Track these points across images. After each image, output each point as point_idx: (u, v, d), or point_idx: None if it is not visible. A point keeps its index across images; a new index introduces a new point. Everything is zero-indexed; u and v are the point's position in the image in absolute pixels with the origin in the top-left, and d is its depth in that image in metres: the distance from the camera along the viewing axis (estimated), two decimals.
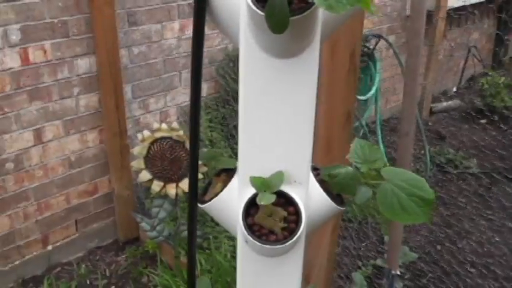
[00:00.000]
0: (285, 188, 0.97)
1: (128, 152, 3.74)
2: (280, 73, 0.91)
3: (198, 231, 2.81)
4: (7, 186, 3.36)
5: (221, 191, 1.05)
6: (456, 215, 4.46)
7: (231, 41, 0.99)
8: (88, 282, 3.66)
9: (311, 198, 1.01)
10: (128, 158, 3.74)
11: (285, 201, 0.98)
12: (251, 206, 0.98)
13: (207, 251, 3.55)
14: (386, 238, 3.70)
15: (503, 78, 6.56)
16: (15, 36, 3.12)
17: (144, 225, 3.00)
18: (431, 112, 6.44)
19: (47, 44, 3.26)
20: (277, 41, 0.86)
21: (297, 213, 0.97)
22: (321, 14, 0.87)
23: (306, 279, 2.12)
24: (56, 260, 3.77)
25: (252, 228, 0.97)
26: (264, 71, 0.91)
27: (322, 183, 1.04)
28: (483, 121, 6.13)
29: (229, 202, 1.03)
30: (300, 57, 0.90)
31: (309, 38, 0.88)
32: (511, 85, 6.59)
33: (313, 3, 0.80)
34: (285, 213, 0.97)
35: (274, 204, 0.95)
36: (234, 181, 1.05)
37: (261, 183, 0.95)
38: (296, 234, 0.95)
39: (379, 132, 4.81)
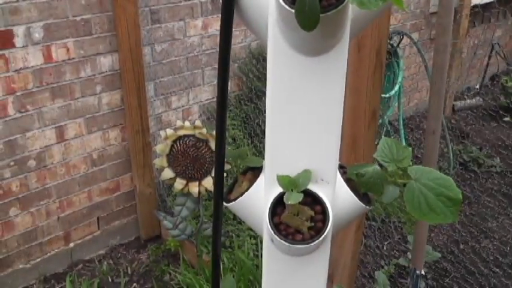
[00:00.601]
0: (312, 187, 0.96)
1: (150, 150, 3.75)
2: (308, 71, 0.90)
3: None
4: (29, 183, 3.38)
5: (247, 189, 1.04)
6: (480, 213, 4.42)
7: (258, 38, 0.98)
8: (110, 279, 3.67)
9: (338, 197, 1.00)
10: (150, 156, 3.75)
11: (312, 200, 0.97)
12: (277, 205, 0.97)
13: (229, 249, 3.54)
14: (409, 237, 3.67)
15: None
16: (38, 34, 3.13)
17: (166, 223, 3.00)
18: (454, 110, 6.40)
19: (70, 42, 3.27)
20: (306, 39, 0.85)
21: (324, 212, 0.96)
22: (351, 11, 0.86)
23: (330, 278, 2.11)
24: (78, 257, 3.79)
25: (278, 227, 0.96)
26: (292, 68, 0.90)
27: (349, 182, 1.03)
28: (506, 119, 6.08)
29: (256, 201, 1.02)
30: (329, 55, 0.89)
31: (338, 36, 0.87)
32: None
33: (344, 0, 0.79)
34: (311, 213, 0.96)
35: (300, 203, 0.94)
36: (261, 180, 1.04)
37: (288, 182, 0.94)
38: (323, 233, 0.94)
39: (402, 130, 4.78)
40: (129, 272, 3.75)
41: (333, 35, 0.86)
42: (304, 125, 0.94)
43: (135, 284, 3.64)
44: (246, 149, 1.23)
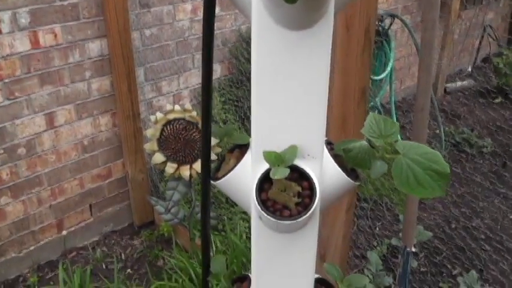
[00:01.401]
0: (299, 163, 0.96)
1: (142, 136, 3.74)
2: (293, 45, 0.89)
3: (213, 213, 2.80)
4: (20, 171, 3.37)
5: (234, 167, 1.04)
6: (471, 193, 4.45)
7: (243, 15, 0.97)
8: (104, 266, 3.67)
9: (325, 172, 0.99)
10: (142, 142, 3.74)
11: (299, 175, 0.96)
12: (265, 182, 0.96)
13: (222, 232, 3.54)
14: (401, 217, 3.69)
15: None
16: (24, 20, 3.10)
17: (158, 208, 2.99)
18: (446, 91, 6.41)
19: (57, 27, 3.24)
20: (290, 13, 0.85)
21: (311, 188, 0.96)
22: None
23: (322, 258, 2.11)
24: (71, 244, 3.79)
25: (266, 203, 0.95)
26: (276, 43, 0.89)
27: (337, 157, 1.03)
28: (498, 100, 6.09)
29: (243, 178, 1.02)
30: (314, 29, 0.88)
31: (323, 10, 0.86)
32: None
33: None
34: (299, 188, 0.95)
35: (287, 179, 0.94)
36: (247, 157, 1.04)
37: (274, 158, 0.93)
38: (310, 209, 0.94)
39: (393, 111, 4.78)
40: (123, 258, 3.75)
41: (317, 9, 0.85)
42: (290, 101, 0.93)
43: (129, 270, 3.65)
44: (233, 126, 1.23)
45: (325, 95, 0.94)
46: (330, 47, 0.91)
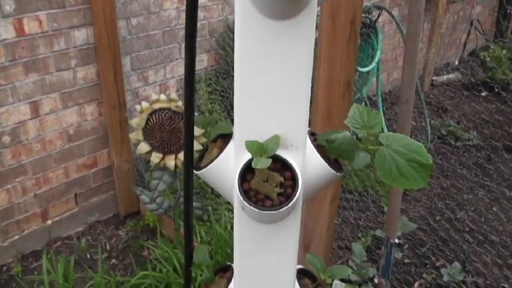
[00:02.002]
0: (282, 153, 0.95)
1: (127, 125, 3.73)
2: (276, 35, 0.89)
3: (198, 204, 2.80)
4: (4, 160, 3.34)
5: (217, 156, 1.04)
6: (456, 185, 4.47)
7: (225, 3, 0.96)
8: (88, 256, 3.66)
9: (308, 163, 0.99)
10: (128, 131, 3.72)
11: (282, 166, 0.96)
12: (247, 172, 0.96)
13: (207, 223, 3.54)
14: (386, 209, 3.70)
15: (505, 51, 6.55)
16: (8, 7, 3.07)
17: (143, 197, 2.99)
18: (433, 84, 6.43)
19: (43, 14, 3.22)
20: (273, 2, 0.84)
21: (294, 178, 0.95)
22: None
23: (306, 248, 2.12)
24: (56, 234, 3.77)
25: (248, 193, 0.95)
26: (259, 33, 0.89)
27: (320, 148, 1.02)
28: (484, 94, 6.11)
29: (225, 168, 1.02)
30: (297, 19, 0.88)
31: None
32: None
33: None
34: (281, 179, 0.95)
35: (270, 169, 0.93)
36: (230, 146, 1.03)
37: (256, 148, 0.93)
38: (292, 199, 0.94)
39: (380, 104, 4.79)
40: (108, 248, 3.74)
41: None
42: (273, 90, 0.93)
43: (113, 260, 3.64)
44: (216, 116, 1.22)
45: (308, 86, 0.93)
46: (314, 37, 0.90)
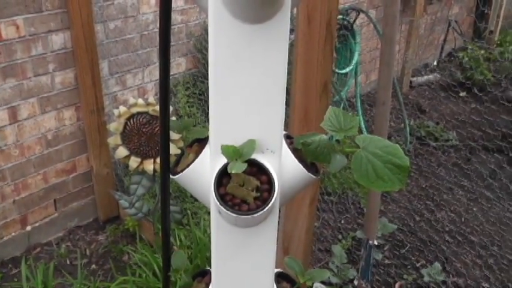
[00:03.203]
0: (257, 157, 0.95)
1: (106, 130, 3.71)
2: (250, 39, 0.89)
3: (177, 207, 2.79)
4: None
5: (193, 161, 1.03)
6: (435, 186, 4.50)
7: (199, 8, 0.96)
8: (68, 262, 3.64)
9: (284, 166, 0.99)
10: (106, 136, 3.70)
11: (258, 170, 0.96)
12: (223, 176, 0.96)
13: (187, 227, 3.54)
14: (366, 211, 3.71)
15: (482, 52, 6.60)
16: None
17: (122, 202, 2.98)
18: (411, 85, 6.47)
19: (20, 19, 3.19)
20: (247, 6, 0.84)
21: (270, 182, 0.95)
22: None
23: (285, 252, 2.12)
24: (36, 240, 3.75)
25: (225, 198, 0.95)
26: (233, 37, 0.89)
27: (296, 151, 1.02)
28: (463, 94, 6.16)
29: (201, 172, 1.02)
30: (271, 22, 0.88)
31: (279, 2, 0.86)
32: (491, 58, 6.63)
33: None
34: (257, 183, 0.95)
35: (246, 173, 0.93)
36: (206, 151, 1.03)
37: (232, 152, 0.93)
38: (269, 203, 0.94)
39: (358, 105, 4.81)
40: (88, 253, 3.72)
41: (274, 2, 0.85)
42: (248, 95, 0.93)
43: (93, 266, 3.62)
44: (191, 120, 1.22)
45: (283, 89, 0.93)
46: (288, 40, 0.90)
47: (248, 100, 0.93)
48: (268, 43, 0.89)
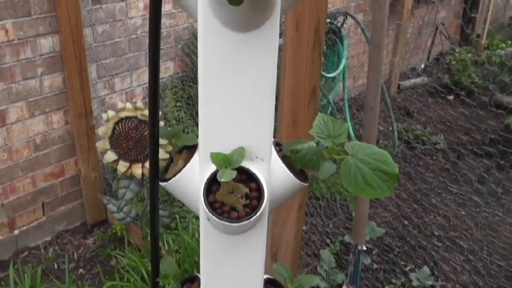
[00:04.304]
0: (247, 164, 0.95)
1: (94, 133, 3.71)
2: (239, 47, 0.89)
3: (165, 211, 2.78)
4: None
5: (182, 168, 1.03)
6: (423, 190, 4.51)
7: (189, 15, 0.97)
8: (56, 266, 3.62)
9: (273, 174, 0.99)
10: (94, 139, 3.70)
11: (247, 177, 0.96)
12: (213, 183, 0.96)
13: (175, 231, 3.53)
14: (354, 215, 3.72)
15: (470, 55, 6.63)
16: None
17: (110, 206, 2.96)
18: (399, 89, 6.49)
19: (8, 23, 3.19)
20: (236, 14, 0.84)
21: (259, 189, 0.95)
22: None
23: (273, 257, 2.12)
24: (23, 244, 3.73)
25: (214, 205, 0.95)
26: (223, 45, 0.89)
27: (285, 158, 1.03)
28: (450, 97, 6.19)
29: (191, 179, 1.02)
30: (260, 30, 0.88)
31: (268, 11, 0.86)
32: (478, 62, 6.66)
33: None
34: (246, 190, 0.95)
35: (235, 180, 0.93)
36: (195, 158, 1.03)
37: (221, 160, 0.93)
38: (258, 211, 0.94)
39: (346, 109, 4.82)
40: (76, 257, 3.71)
41: (263, 10, 0.85)
42: (237, 102, 0.93)
43: (81, 270, 3.61)
44: (180, 127, 1.22)
45: (272, 97, 0.94)
46: (277, 49, 0.91)
47: (237, 108, 0.94)
48: (257, 51, 0.90)
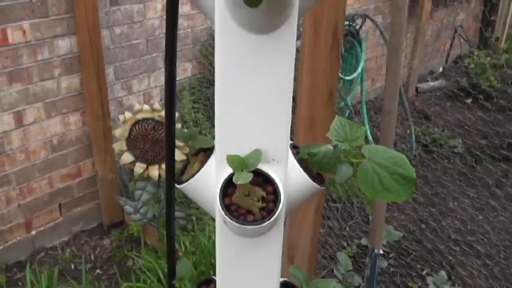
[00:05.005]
0: (263, 167, 0.95)
1: (111, 135, 3.72)
2: (257, 49, 0.89)
3: (182, 213, 2.78)
4: None
5: (198, 170, 1.03)
6: (440, 193, 4.48)
7: (206, 17, 0.96)
8: (72, 266, 3.63)
9: (290, 177, 0.99)
10: (111, 141, 3.71)
11: (263, 180, 0.96)
12: (229, 186, 0.96)
13: (191, 233, 3.53)
14: (371, 217, 3.70)
15: (488, 58, 6.59)
16: None
17: (127, 208, 2.97)
18: (417, 92, 6.46)
19: (26, 24, 3.20)
20: (253, 16, 0.84)
21: (276, 192, 0.95)
22: None
23: (290, 260, 2.11)
24: (40, 244, 3.75)
25: (230, 208, 0.95)
26: (240, 47, 0.89)
27: (302, 162, 1.02)
28: (468, 101, 6.14)
29: (207, 182, 1.01)
30: (278, 32, 0.88)
31: (286, 13, 0.86)
32: (497, 65, 6.62)
33: None
34: (263, 193, 0.95)
35: (252, 183, 0.93)
36: (212, 160, 1.03)
37: (237, 162, 0.92)
38: (274, 214, 0.93)
39: (364, 112, 4.80)
40: (92, 258, 3.72)
41: (280, 12, 0.85)
42: (254, 104, 0.93)
43: (98, 271, 3.62)
44: (197, 129, 1.22)
45: (289, 99, 0.93)
46: (294, 51, 0.90)
47: (254, 110, 0.93)
48: (275, 53, 0.89)
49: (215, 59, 0.92)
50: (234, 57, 0.90)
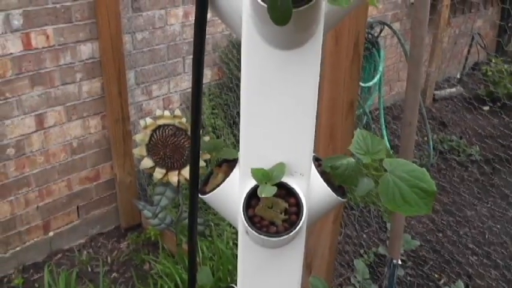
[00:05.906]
0: (287, 179, 0.97)
1: (131, 139, 3.74)
2: (282, 64, 0.90)
3: (199, 219, 2.80)
4: (8, 172, 3.35)
5: (222, 182, 1.05)
6: (458, 202, 4.46)
7: (233, 32, 0.98)
8: (89, 269, 3.66)
9: (312, 189, 1.00)
10: (131, 145, 3.73)
11: (286, 192, 0.97)
12: (252, 197, 0.97)
13: (209, 238, 3.54)
14: (388, 225, 3.70)
15: (506, 66, 6.55)
16: (17, 21, 3.10)
17: (146, 212, 2.99)
18: (434, 99, 6.44)
19: (50, 29, 3.24)
20: (280, 33, 0.86)
21: (298, 204, 0.97)
22: (325, 5, 0.86)
23: (308, 267, 2.12)
24: (57, 246, 3.78)
25: (253, 219, 0.96)
26: (266, 62, 0.91)
27: (324, 174, 1.03)
28: (486, 108, 6.11)
29: (230, 193, 1.03)
30: (303, 49, 0.89)
31: (312, 29, 0.87)
32: None
33: None
34: (286, 205, 0.96)
35: (275, 195, 0.94)
36: (235, 172, 1.04)
37: (262, 175, 0.94)
38: (297, 226, 0.95)
39: (382, 119, 4.80)
40: (109, 261, 3.74)
41: (306, 29, 0.86)
42: (279, 118, 0.94)
43: (114, 274, 3.64)
44: (221, 140, 1.24)
45: (313, 114, 0.95)
46: (319, 66, 0.92)
47: (278, 124, 0.95)
48: (300, 69, 0.91)
49: (241, 73, 0.93)
50: (259, 72, 0.92)
